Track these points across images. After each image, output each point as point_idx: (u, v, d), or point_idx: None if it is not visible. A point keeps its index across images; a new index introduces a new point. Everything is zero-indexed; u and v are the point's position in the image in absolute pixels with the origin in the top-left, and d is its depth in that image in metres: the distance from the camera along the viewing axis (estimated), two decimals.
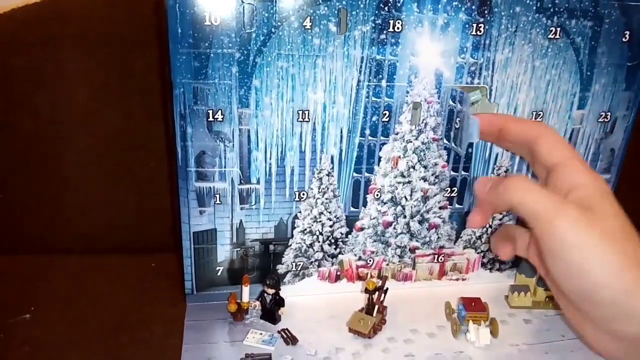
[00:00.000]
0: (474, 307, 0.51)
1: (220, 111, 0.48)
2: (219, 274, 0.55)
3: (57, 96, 0.60)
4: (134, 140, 0.63)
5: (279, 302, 0.52)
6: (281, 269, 0.56)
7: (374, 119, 0.52)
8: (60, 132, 0.62)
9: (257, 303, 0.53)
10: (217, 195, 0.52)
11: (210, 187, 0.51)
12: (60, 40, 0.59)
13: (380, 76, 0.50)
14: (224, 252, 0.54)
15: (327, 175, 0.53)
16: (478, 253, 0.60)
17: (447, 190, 0.56)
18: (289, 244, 0.55)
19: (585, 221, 0.28)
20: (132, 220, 0.67)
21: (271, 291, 0.52)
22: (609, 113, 0.56)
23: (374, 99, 0.51)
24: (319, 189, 0.53)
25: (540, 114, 0.54)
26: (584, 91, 0.54)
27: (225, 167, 0.51)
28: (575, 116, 0.55)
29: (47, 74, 0.59)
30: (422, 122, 0.52)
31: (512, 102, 0.53)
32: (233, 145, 0.50)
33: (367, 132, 0.52)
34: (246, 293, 0.53)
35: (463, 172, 0.55)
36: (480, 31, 0.50)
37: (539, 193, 0.29)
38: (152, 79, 0.60)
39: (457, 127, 0.52)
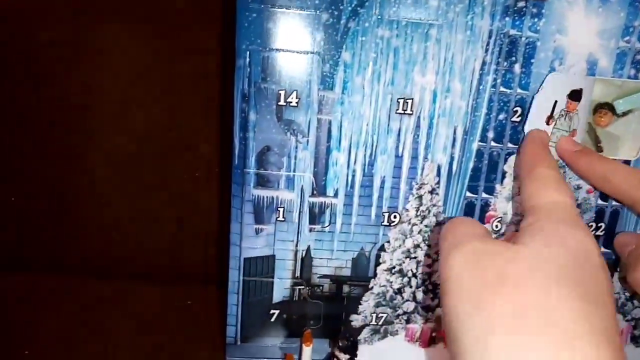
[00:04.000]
0: None
1: (295, 93, 0.36)
2: (272, 319, 0.41)
3: (88, 81, 0.49)
4: (177, 141, 0.51)
5: None
6: (357, 320, 0.41)
7: (500, 117, 0.38)
8: (88, 125, 0.50)
9: None
10: (281, 209, 0.38)
11: (272, 197, 0.38)
12: (96, 13, 0.48)
13: (514, 59, 0.37)
14: (282, 289, 0.40)
15: (430, 192, 0.39)
16: (627, 320, 0.43)
17: (592, 225, 0.41)
18: (370, 286, 0.41)
19: None
20: (166, 242, 0.53)
21: (344, 357, 0.37)
22: None
23: (502, 89, 0.37)
24: (417, 211, 0.39)
25: None
26: None
27: (295, 170, 0.38)
28: None
29: (78, 53, 0.48)
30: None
31: None
32: (308, 141, 0.37)
33: (490, 135, 0.38)
34: (308, 355, 0.38)
35: (614, 202, 0.40)
36: None
37: None
38: (210, 65, 0.49)
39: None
